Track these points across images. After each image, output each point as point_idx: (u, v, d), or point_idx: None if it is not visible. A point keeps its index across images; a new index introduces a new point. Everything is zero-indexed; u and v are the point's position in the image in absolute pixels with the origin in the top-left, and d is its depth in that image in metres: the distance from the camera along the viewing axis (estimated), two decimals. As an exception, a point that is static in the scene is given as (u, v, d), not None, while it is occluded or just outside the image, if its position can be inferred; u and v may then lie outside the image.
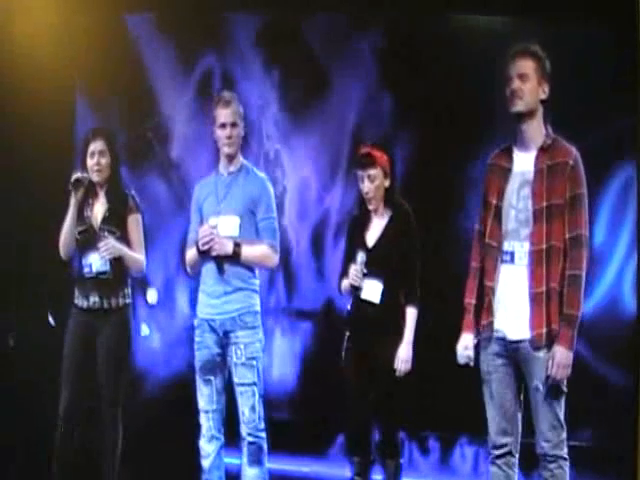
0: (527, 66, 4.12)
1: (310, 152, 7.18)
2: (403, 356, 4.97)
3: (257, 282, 4.96)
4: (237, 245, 4.84)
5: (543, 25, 6.08)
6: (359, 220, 5.18)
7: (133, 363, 6.37)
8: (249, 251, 4.87)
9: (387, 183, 5.11)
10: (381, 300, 4.98)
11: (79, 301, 5.39)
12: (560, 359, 4.03)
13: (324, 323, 7.11)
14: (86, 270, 5.36)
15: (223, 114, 4.93)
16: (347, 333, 5.08)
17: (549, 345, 4.04)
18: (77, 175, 5.28)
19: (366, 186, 5.07)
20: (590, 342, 6.19)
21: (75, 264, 5.46)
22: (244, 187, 4.91)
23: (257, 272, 4.97)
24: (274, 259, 4.95)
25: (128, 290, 5.45)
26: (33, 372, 6.43)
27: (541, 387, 4.04)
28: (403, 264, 5.04)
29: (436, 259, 6.24)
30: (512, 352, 4.13)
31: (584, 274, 4.08)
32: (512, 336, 4.12)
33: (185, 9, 6.93)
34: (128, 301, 5.44)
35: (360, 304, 5.04)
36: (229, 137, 4.91)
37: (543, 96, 4.15)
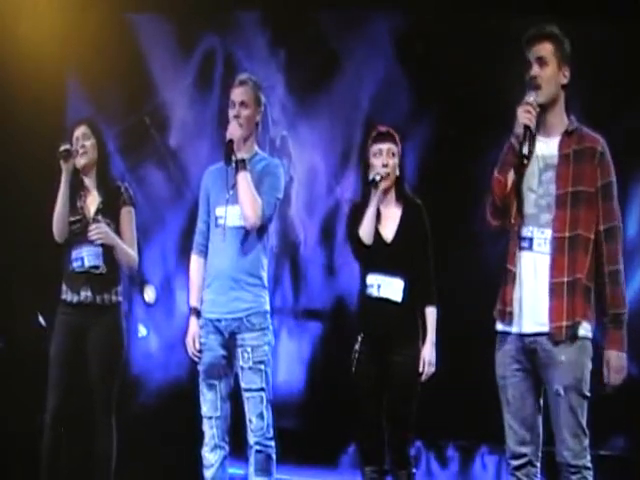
0: (545, 49, 4.13)
1: (319, 139, 7.21)
2: (428, 358, 5.00)
3: (265, 275, 4.97)
4: None
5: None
6: (363, 209, 5.09)
7: (128, 366, 6.47)
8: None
9: (398, 172, 5.12)
10: (402, 298, 5.00)
11: (68, 296, 5.42)
12: (615, 363, 4.07)
13: (334, 323, 7.14)
14: (77, 264, 5.40)
15: (234, 92, 4.96)
16: (360, 335, 5.07)
17: (572, 340, 4.04)
18: (66, 146, 5.37)
19: (385, 159, 5.05)
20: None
21: (64, 257, 5.48)
22: (254, 175, 4.89)
23: (265, 264, 4.97)
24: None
25: (120, 288, 5.50)
26: (24, 375, 6.52)
27: (562, 392, 4.03)
28: (420, 261, 5.08)
29: (454, 255, 6.38)
30: (530, 354, 4.11)
31: (623, 268, 4.11)
32: (528, 329, 4.10)
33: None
34: (120, 299, 5.49)
35: (376, 303, 5.03)
36: (236, 116, 4.91)
37: (564, 81, 4.16)
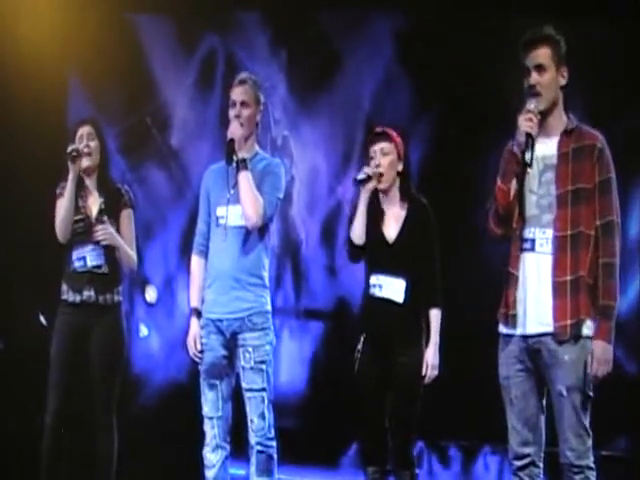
0: (543, 55, 4.12)
1: (321, 138, 7.21)
2: (432, 361, 5.00)
3: (267, 275, 4.98)
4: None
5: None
6: (370, 210, 5.12)
7: (128, 366, 6.49)
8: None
9: (400, 167, 5.12)
10: (404, 299, 5.00)
11: (69, 296, 5.45)
12: (600, 354, 4.03)
13: (335, 323, 7.15)
14: (79, 264, 5.42)
15: (234, 92, 4.98)
16: (362, 336, 5.08)
17: (575, 339, 4.05)
18: (74, 146, 5.39)
19: (378, 159, 5.07)
20: (624, 342, 6.29)
21: (64, 257, 5.50)
22: (255, 175, 4.91)
23: (267, 264, 4.99)
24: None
25: (121, 287, 5.54)
26: (24, 375, 6.53)
27: (565, 392, 4.04)
28: (424, 262, 5.08)
29: (455, 256, 6.37)
30: (533, 354, 4.12)
31: (618, 262, 4.10)
32: (533, 330, 4.11)
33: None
34: (121, 299, 5.52)
35: (378, 303, 5.04)
36: (237, 116, 4.93)
37: (563, 82, 4.17)
